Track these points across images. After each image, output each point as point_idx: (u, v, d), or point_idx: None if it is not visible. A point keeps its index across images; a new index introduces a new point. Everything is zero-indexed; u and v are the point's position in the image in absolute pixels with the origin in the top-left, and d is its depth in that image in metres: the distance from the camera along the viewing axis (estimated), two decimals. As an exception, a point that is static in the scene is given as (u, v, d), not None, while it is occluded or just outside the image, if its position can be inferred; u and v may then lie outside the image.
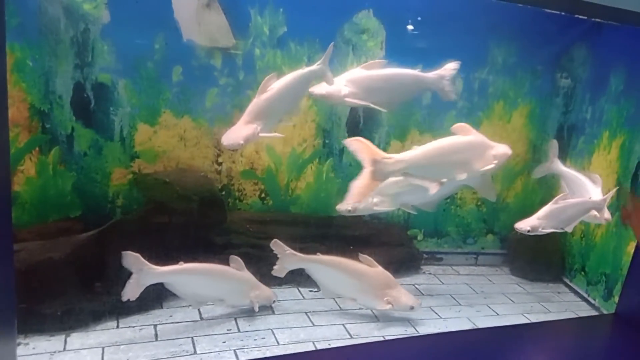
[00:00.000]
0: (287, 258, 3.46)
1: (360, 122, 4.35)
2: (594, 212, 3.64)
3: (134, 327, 3.27)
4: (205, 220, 3.64)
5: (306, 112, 4.21)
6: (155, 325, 3.30)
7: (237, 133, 2.94)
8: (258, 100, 3.05)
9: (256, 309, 3.50)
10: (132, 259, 3.00)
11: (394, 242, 4.42)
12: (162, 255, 3.41)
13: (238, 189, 4.26)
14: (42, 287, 2.99)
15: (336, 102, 3.42)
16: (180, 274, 3.21)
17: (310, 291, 3.97)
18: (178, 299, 3.62)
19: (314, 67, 3.24)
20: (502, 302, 4.06)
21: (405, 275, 4.36)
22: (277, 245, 3.44)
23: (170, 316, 3.44)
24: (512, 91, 4.52)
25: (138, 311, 3.40)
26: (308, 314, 3.64)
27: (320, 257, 3.51)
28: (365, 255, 3.53)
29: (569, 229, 3.61)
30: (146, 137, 3.94)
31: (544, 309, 4.06)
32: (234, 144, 2.92)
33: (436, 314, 3.82)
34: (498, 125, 4.39)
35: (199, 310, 3.52)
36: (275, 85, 3.10)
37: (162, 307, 3.53)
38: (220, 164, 4.17)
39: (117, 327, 3.25)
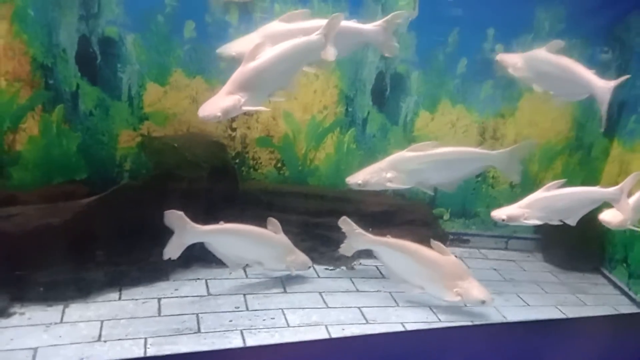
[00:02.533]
0: (356, 237, 3.38)
1: (386, 90, 4.08)
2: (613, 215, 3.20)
3: (137, 299, 3.14)
4: (215, 189, 3.45)
5: (328, 77, 3.97)
6: (159, 299, 3.17)
7: (215, 104, 2.63)
8: (244, 69, 2.72)
9: (293, 274, 3.48)
10: (174, 217, 2.97)
11: (418, 221, 4.17)
12: (164, 228, 3.28)
13: (253, 157, 4.07)
14: (40, 255, 2.86)
15: None
16: (221, 234, 3.18)
17: (326, 269, 3.80)
18: (185, 271, 3.53)
19: (312, 37, 2.90)
20: (533, 292, 3.82)
21: (428, 257, 4.14)
22: (346, 223, 3.34)
23: (176, 289, 3.31)
24: (558, 63, 4.16)
25: (142, 283, 3.28)
26: (322, 294, 3.46)
27: (390, 240, 3.38)
28: (437, 242, 3.35)
29: (571, 222, 3.29)
30: (156, 98, 3.77)
31: (579, 302, 3.80)
32: (210, 115, 2.59)
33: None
34: (539, 99, 4.04)
35: (206, 284, 3.39)
36: (266, 53, 2.78)
37: (168, 279, 3.40)
38: (234, 129, 3.98)
39: (119, 298, 3.12)
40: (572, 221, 3.31)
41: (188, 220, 3.02)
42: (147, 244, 3.28)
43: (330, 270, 3.82)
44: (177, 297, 3.24)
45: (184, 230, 3.01)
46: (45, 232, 2.88)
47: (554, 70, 3.25)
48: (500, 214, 3.25)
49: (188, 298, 3.24)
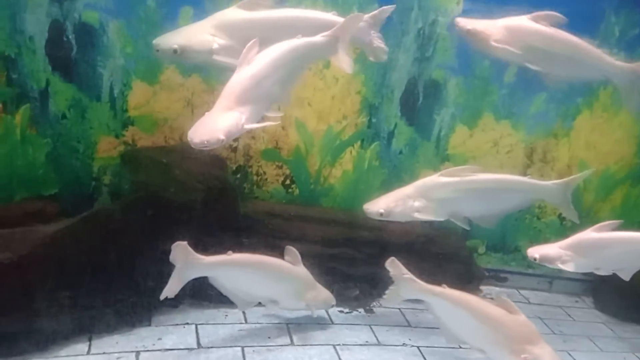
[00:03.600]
0: (405, 284, 2.77)
1: (418, 100, 3.51)
2: None
3: (109, 353, 2.56)
4: (211, 215, 2.89)
5: (350, 81, 3.39)
6: (137, 353, 2.60)
7: (214, 125, 2.09)
8: (240, 78, 2.22)
9: (313, 314, 3.01)
10: (180, 250, 2.53)
11: (448, 254, 3.64)
12: (149, 258, 2.75)
13: (257, 172, 3.51)
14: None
15: (199, 60, 2.53)
16: (229, 267, 2.71)
17: (341, 312, 3.25)
18: (172, 312, 2.98)
19: (317, 38, 2.41)
20: (586, 349, 3.27)
21: (461, 298, 3.59)
22: (394, 266, 2.77)
23: (159, 339, 2.73)
24: (627, 74, 3.62)
25: (118, 330, 2.72)
26: (337, 347, 2.90)
27: (446, 290, 2.76)
28: (504, 298, 2.73)
29: (624, 276, 2.74)
30: (143, 99, 3.19)
31: (641, 363, 3.27)
32: (211, 140, 2.05)
33: (502, 358, 3.06)
34: (601, 117, 3.53)
35: (196, 330, 2.83)
36: (261, 57, 2.29)
37: (150, 324, 2.83)
38: (236, 139, 3.40)
39: (88, 352, 2.55)
40: (625, 275, 2.74)
41: (191, 250, 2.56)
42: (125, 281, 2.75)
43: (346, 313, 3.27)
44: (159, 349, 2.66)
45: (186, 263, 2.55)
46: (-6, 270, 2.31)
47: (551, 47, 2.68)
48: (534, 252, 2.74)
49: (173, 352, 2.66)
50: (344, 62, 2.47)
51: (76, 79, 3.06)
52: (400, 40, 3.37)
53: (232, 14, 2.54)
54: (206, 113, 2.17)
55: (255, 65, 2.25)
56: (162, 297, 2.54)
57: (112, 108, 3.15)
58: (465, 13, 3.26)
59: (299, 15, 2.63)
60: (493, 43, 2.59)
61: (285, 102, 2.48)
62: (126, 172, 2.99)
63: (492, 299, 2.87)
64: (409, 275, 2.76)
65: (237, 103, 2.16)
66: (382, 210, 2.73)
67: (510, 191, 2.84)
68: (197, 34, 2.45)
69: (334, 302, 3.06)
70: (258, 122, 2.27)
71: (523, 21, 2.67)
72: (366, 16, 2.65)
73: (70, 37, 2.97)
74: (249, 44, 2.26)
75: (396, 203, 2.73)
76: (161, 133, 3.26)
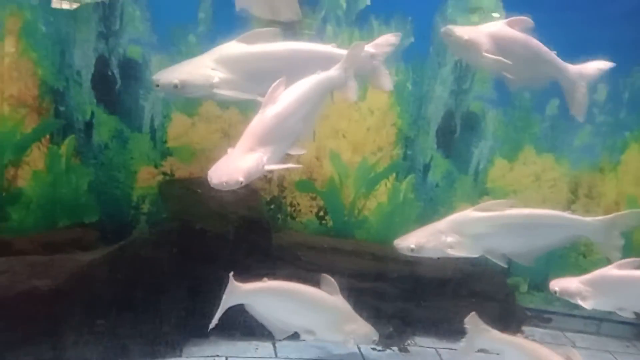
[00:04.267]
0: (480, 335, 2.67)
1: (455, 132, 3.46)
2: None
3: (141, 383, 2.60)
4: (244, 245, 2.90)
5: (385, 112, 3.38)
6: (167, 384, 2.62)
7: (234, 166, 2.09)
8: (263, 118, 2.22)
9: (350, 346, 2.90)
10: (232, 285, 2.57)
11: (488, 293, 3.51)
12: (182, 288, 2.77)
13: (291, 204, 3.52)
14: (21, 328, 2.36)
15: (199, 95, 2.52)
16: (265, 294, 2.71)
17: (374, 349, 3.15)
18: (202, 343, 2.97)
19: (333, 72, 2.42)
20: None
21: (499, 339, 3.43)
22: (473, 320, 2.68)
23: (190, 370, 2.76)
24: (679, 107, 3.48)
25: (152, 358, 2.73)
26: (367, 388, 2.84)
27: (523, 341, 2.68)
28: (574, 351, 2.62)
29: None
30: (182, 130, 3.29)
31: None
32: (230, 182, 2.05)
33: (544, 409, 2.87)
34: None
35: None
36: (285, 96, 2.28)
37: (180, 355, 2.84)
38: (271, 170, 3.43)
39: (120, 381, 2.60)
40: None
41: (235, 282, 2.59)
42: (157, 311, 2.77)
43: (379, 351, 3.17)
44: (190, 381, 2.68)
45: (229, 292, 2.57)
46: (31, 297, 2.38)
47: (518, 48, 2.60)
48: (555, 284, 2.59)
49: (204, 383, 2.68)
50: (350, 91, 2.47)
51: (119, 111, 3.18)
52: (436, 72, 3.36)
53: (232, 47, 2.53)
54: (228, 151, 2.17)
55: (279, 104, 2.24)
56: (211, 326, 2.56)
57: (152, 139, 3.25)
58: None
59: (299, 48, 2.61)
60: (484, 54, 2.53)
61: (307, 137, 2.49)
62: (162, 202, 3.06)
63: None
64: (484, 326, 2.65)
65: (259, 143, 2.15)
66: (413, 246, 2.63)
67: (549, 226, 2.68)
68: (197, 68, 2.44)
69: (376, 337, 2.94)
70: (280, 160, 2.26)
71: (503, 29, 2.62)
72: (367, 45, 2.62)
73: (114, 71, 3.11)
74: (275, 83, 2.25)
75: (428, 238, 2.64)
76: (198, 164, 3.29)
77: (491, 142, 3.46)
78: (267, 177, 3.46)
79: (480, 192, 3.49)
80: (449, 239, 2.63)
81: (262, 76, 2.43)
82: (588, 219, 2.65)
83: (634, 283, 2.50)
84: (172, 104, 3.21)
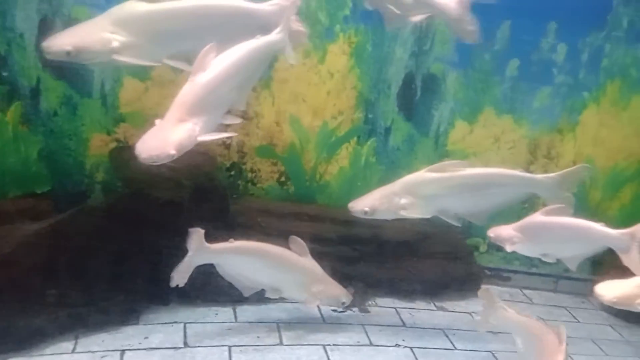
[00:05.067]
0: (496, 313, 2.63)
1: (416, 94, 3.43)
2: None
3: (94, 352, 2.57)
4: (199, 213, 2.87)
5: (345, 75, 3.33)
6: (122, 351, 2.60)
7: (163, 138, 2.00)
8: (194, 86, 2.12)
9: (308, 306, 2.94)
10: (196, 236, 2.58)
11: (448, 253, 3.59)
12: (137, 256, 2.75)
13: (251, 169, 3.49)
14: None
15: (98, 61, 2.28)
16: (233, 254, 2.75)
17: (334, 311, 3.19)
18: (161, 311, 2.98)
19: (274, 36, 2.33)
20: (590, 353, 3.16)
21: (459, 299, 3.51)
22: (487, 296, 2.66)
23: (146, 337, 2.73)
24: (635, 68, 3.46)
25: (105, 328, 2.72)
26: (326, 348, 2.85)
27: (534, 322, 2.59)
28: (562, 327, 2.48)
29: (570, 266, 2.63)
30: (135, 95, 3.19)
31: (647, 370, 3.15)
32: (161, 155, 1.96)
33: (499, 363, 2.98)
34: (609, 112, 3.41)
35: (184, 329, 2.82)
36: (218, 62, 2.17)
37: (138, 323, 2.84)
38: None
39: (73, 350, 2.56)
40: (571, 264, 2.64)
41: (202, 236, 2.60)
42: (112, 279, 2.76)
43: (340, 312, 3.22)
44: (144, 348, 2.66)
45: (197, 250, 2.58)
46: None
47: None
48: (491, 231, 2.68)
49: (158, 350, 2.67)
50: (292, 53, 2.40)
51: (67, 76, 3.07)
52: (396, 34, 3.30)
53: (133, 6, 2.26)
54: (156, 122, 2.07)
55: (211, 71, 2.13)
56: (172, 284, 2.58)
57: (103, 105, 3.16)
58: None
59: (210, 4, 2.39)
60: None
61: (241, 105, 2.39)
62: (114, 170, 3.00)
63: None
64: (501, 304, 2.61)
65: (190, 113, 2.06)
66: (366, 209, 2.65)
67: (500, 185, 2.71)
68: (93, 32, 2.17)
69: (345, 299, 2.97)
70: (214, 130, 2.17)
71: None
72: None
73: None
74: (205, 49, 2.12)
75: (381, 201, 2.65)
76: (153, 129, 3.27)
77: (452, 104, 3.45)
78: (225, 143, 3.41)
79: (441, 155, 3.49)
80: (403, 201, 2.64)
81: (169, 38, 2.26)
82: (539, 176, 2.69)
83: (556, 229, 2.57)
84: (122, 68, 3.12)
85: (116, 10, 2.26)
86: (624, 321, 3.59)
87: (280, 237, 3.10)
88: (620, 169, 3.61)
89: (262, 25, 2.44)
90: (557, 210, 2.58)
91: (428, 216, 2.72)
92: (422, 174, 2.68)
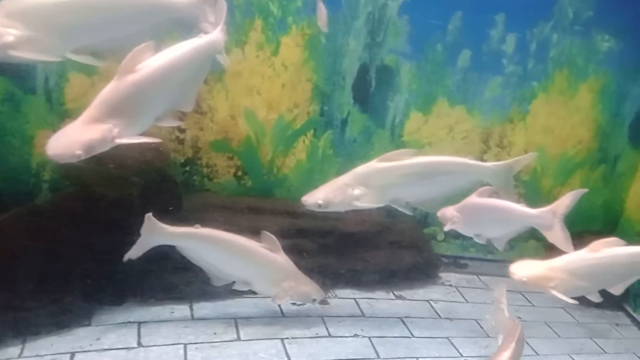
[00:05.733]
0: (498, 314, 2.60)
1: (371, 86, 3.44)
2: None
3: (42, 355, 2.49)
4: (150, 209, 2.79)
5: (300, 67, 3.32)
6: (72, 354, 2.53)
7: (73, 137, 1.94)
8: (118, 86, 2.03)
9: (277, 301, 2.93)
10: (147, 221, 2.58)
11: (405, 243, 3.64)
12: (86, 256, 2.69)
13: (207, 165, 3.44)
14: None
15: None
16: (197, 240, 2.75)
17: (293, 304, 3.18)
18: (115, 311, 2.91)
19: (216, 35, 2.29)
20: (544, 336, 3.26)
21: (418, 287, 3.58)
22: (500, 294, 2.64)
23: (98, 339, 2.67)
24: (581, 57, 3.56)
25: (55, 331, 2.64)
26: (285, 341, 2.85)
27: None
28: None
29: (498, 246, 2.75)
30: (81, 91, 3.08)
31: (597, 349, 3.26)
32: (66, 154, 1.91)
33: (455, 349, 3.03)
34: (557, 101, 3.50)
35: (137, 329, 2.77)
36: (150, 62, 2.08)
37: (90, 324, 2.76)
38: (183, 131, 3.33)
39: (20, 355, 2.47)
40: (498, 244, 2.77)
41: (155, 219, 2.60)
42: (60, 280, 2.67)
43: (299, 305, 3.22)
44: (96, 350, 2.60)
45: (149, 230, 2.59)
46: None
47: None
48: (439, 212, 2.78)
49: (111, 352, 2.61)
50: (224, 55, 2.39)
51: (9, 72, 2.94)
52: (350, 25, 3.31)
53: None
54: (70, 124, 1.99)
55: (142, 72, 2.04)
56: (125, 259, 2.58)
57: (48, 101, 3.04)
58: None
59: None
60: None
61: (187, 107, 2.33)
62: (60, 167, 2.91)
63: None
64: (504, 304, 2.59)
65: (109, 114, 1.98)
66: (320, 201, 2.64)
67: (450, 173, 2.73)
68: None
69: (317, 296, 2.99)
70: (142, 133, 2.09)
71: None
72: None
73: (-2, 27, 2.87)
74: (137, 48, 2.02)
75: (335, 193, 2.65)
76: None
77: (406, 95, 3.47)
78: (179, 138, 3.35)
79: (397, 146, 3.51)
80: (355, 192, 2.64)
81: (71, 32, 2.10)
82: (487, 164, 2.76)
83: (483, 210, 2.68)
84: (67, 63, 3.01)
85: (10, 2, 2.08)
86: (577, 304, 3.70)
87: (238, 232, 3.10)
88: (569, 157, 3.72)
89: (176, 18, 2.35)
90: (487, 191, 2.66)
91: (381, 205, 2.74)
92: (373, 164, 2.69)
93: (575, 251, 2.50)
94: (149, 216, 2.58)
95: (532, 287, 2.42)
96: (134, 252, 2.60)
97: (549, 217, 2.56)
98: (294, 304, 3.23)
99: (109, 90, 2.03)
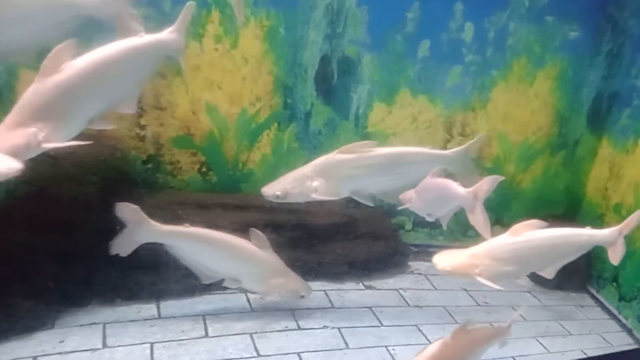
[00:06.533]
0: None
1: (333, 77, 3.45)
2: None
3: (3, 361, 2.48)
4: (109, 208, 2.77)
5: (260, 60, 3.30)
6: (34, 358, 2.49)
7: None
8: (41, 88, 1.94)
9: (266, 298, 3.02)
10: (127, 210, 2.60)
11: (374, 233, 3.67)
12: (46, 258, 2.64)
13: (170, 161, 3.40)
14: None
15: None
16: (187, 238, 2.79)
17: (262, 298, 3.19)
18: (79, 312, 2.87)
19: (165, 35, 2.23)
20: (509, 319, 3.34)
21: (387, 277, 3.62)
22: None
23: (61, 342, 2.63)
24: (538, 45, 3.63)
25: (15, 335, 2.59)
26: (253, 336, 2.85)
27: None
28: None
29: (443, 224, 2.75)
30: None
31: (563, 330, 3.36)
32: None
33: (424, 335, 3.09)
34: (516, 89, 3.58)
35: (103, 330, 2.74)
36: (77, 62, 2.00)
37: (52, 327, 2.72)
38: (143, 127, 3.28)
39: (-21, 361, 2.46)
40: (443, 222, 2.76)
41: (145, 216, 2.64)
42: (19, 283, 2.62)
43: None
44: (60, 352, 2.57)
45: (139, 227, 2.62)
46: None
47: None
48: (402, 195, 2.74)
49: (75, 354, 2.58)
50: (183, 58, 2.38)
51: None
52: (309, 16, 3.30)
53: None
54: None
55: (66, 72, 1.95)
56: (112, 252, 2.57)
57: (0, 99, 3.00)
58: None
59: None
60: None
61: (128, 109, 2.26)
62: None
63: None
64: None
65: (34, 118, 1.88)
66: (278, 193, 2.66)
67: (410, 163, 2.77)
68: None
69: (305, 293, 3.02)
70: (72, 136, 2.01)
71: None
72: None
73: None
74: (58, 47, 1.93)
75: (293, 184, 2.67)
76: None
77: (369, 86, 3.49)
78: (140, 135, 3.31)
79: (361, 137, 3.53)
80: (314, 183, 2.66)
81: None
82: (444, 151, 2.81)
83: (429, 190, 2.67)
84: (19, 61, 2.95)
85: None
86: (541, 287, 3.81)
87: (205, 227, 3.09)
88: (530, 143, 3.80)
89: (86, 16, 2.21)
90: (438, 172, 2.66)
91: (340, 197, 2.76)
92: (333, 156, 2.71)
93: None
94: (137, 209, 2.59)
95: (458, 276, 2.44)
96: (123, 250, 2.60)
97: (472, 198, 2.50)
98: (262, 298, 3.25)
99: (31, 93, 1.94)
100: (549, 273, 2.57)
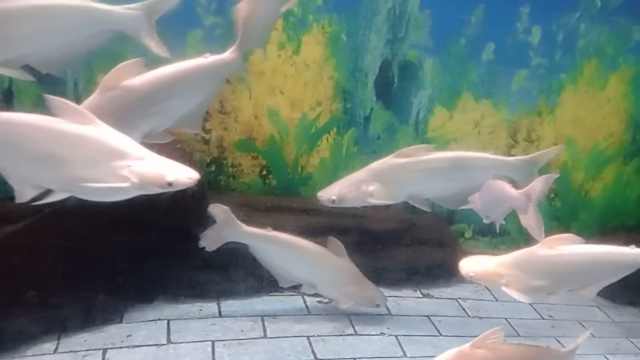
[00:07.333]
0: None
1: (393, 82, 3.45)
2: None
3: (77, 351, 2.60)
4: (177, 211, 2.87)
5: (321, 66, 3.35)
6: (104, 350, 2.64)
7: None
8: (96, 100, 1.99)
9: (341, 306, 3.03)
10: (219, 210, 2.81)
11: (433, 240, 3.63)
12: (119, 255, 2.79)
13: (232, 164, 3.52)
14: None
15: None
16: (268, 242, 2.93)
17: (319, 302, 3.21)
18: (145, 308, 3.01)
19: (228, 55, 2.24)
20: (575, 335, 3.15)
21: (445, 286, 3.55)
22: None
23: (129, 336, 2.77)
24: (611, 47, 3.51)
25: (88, 328, 2.75)
26: (311, 339, 2.87)
27: None
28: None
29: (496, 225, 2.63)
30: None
31: (634, 349, 3.17)
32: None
33: (484, 347, 3.01)
34: (587, 92, 3.45)
35: (167, 326, 2.85)
36: (142, 79, 2.06)
37: (121, 321, 2.87)
38: (208, 131, 3.41)
39: (55, 351, 2.59)
40: (496, 225, 2.64)
41: (233, 217, 2.83)
42: (93, 279, 2.79)
43: (325, 303, 3.24)
44: (127, 346, 2.70)
45: (227, 226, 2.81)
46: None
47: None
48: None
49: (141, 348, 2.70)
50: (246, 75, 2.51)
51: None
52: (370, 21, 3.33)
53: None
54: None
55: (122, 88, 2.00)
56: (201, 245, 2.76)
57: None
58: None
59: (46, 3, 2.01)
60: None
61: (194, 128, 2.36)
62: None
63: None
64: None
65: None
66: (334, 197, 2.68)
67: (470, 168, 2.70)
68: None
69: (380, 301, 3.07)
70: None
71: None
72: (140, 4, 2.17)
73: None
74: (122, 64, 1.99)
75: (349, 188, 2.68)
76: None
77: (430, 91, 3.48)
78: (205, 139, 3.44)
79: (421, 142, 3.50)
80: (370, 188, 2.66)
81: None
82: (509, 158, 2.72)
83: (487, 190, 2.55)
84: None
85: None
86: (611, 302, 3.63)
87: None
88: (601, 149, 3.65)
89: (117, 31, 2.19)
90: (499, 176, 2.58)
91: (396, 202, 2.73)
92: (389, 160, 2.70)
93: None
94: (227, 210, 2.76)
95: (483, 283, 2.35)
96: (211, 244, 2.77)
97: (524, 199, 2.42)
98: (320, 301, 3.28)
99: (88, 105, 1.98)
100: (589, 292, 2.45)
